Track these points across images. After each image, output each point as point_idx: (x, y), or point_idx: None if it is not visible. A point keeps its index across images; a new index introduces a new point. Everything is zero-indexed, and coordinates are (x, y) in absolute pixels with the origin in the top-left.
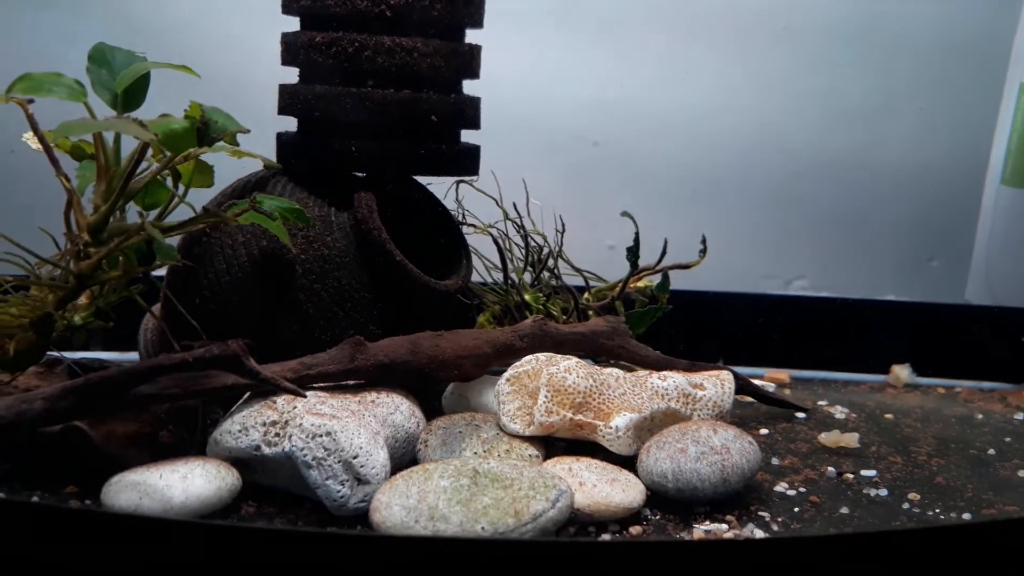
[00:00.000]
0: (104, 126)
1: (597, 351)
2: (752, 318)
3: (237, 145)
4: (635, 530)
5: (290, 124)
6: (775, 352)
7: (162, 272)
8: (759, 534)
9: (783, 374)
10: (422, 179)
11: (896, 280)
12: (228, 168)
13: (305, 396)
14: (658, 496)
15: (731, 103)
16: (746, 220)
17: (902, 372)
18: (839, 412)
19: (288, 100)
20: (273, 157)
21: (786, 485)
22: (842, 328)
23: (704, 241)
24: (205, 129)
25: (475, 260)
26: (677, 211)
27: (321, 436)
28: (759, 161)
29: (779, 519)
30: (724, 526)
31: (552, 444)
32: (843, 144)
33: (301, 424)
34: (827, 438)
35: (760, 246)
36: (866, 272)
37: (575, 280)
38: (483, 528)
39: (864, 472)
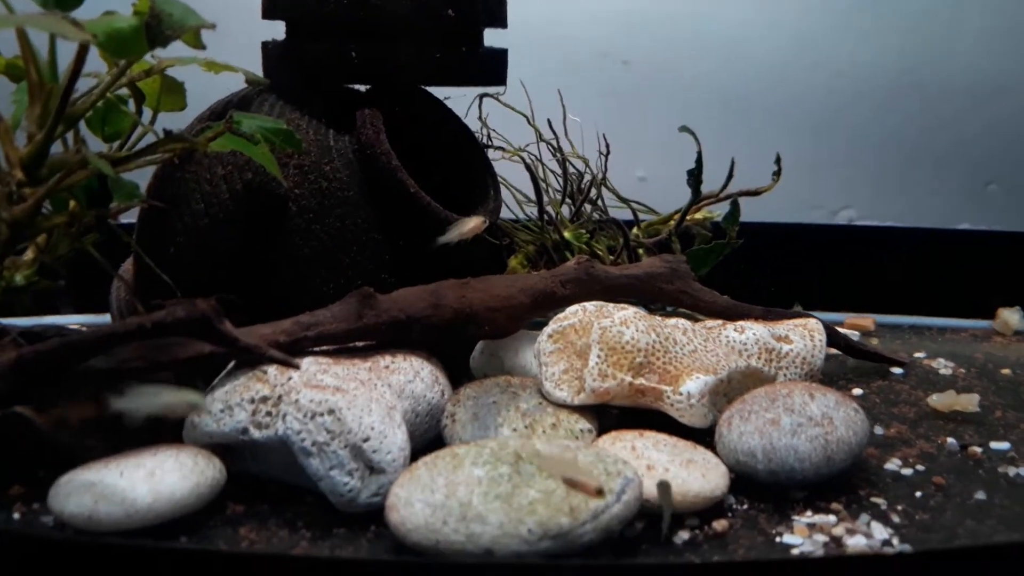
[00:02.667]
0: (19, 21)
1: (654, 297)
2: (822, 254)
3: (202, 47)
4: (720, 525)
5: (278, 31)
6: (852, 294)
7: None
8: (878, 529)
9: (867, 320)
10: (438, 92)
11: (951, 207)
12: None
13: (297, 366)
14: (745, 480)
15: (772, 16)
16: (789, 144)
17: (1012, 317)
18: (943, 367)
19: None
20: (260, 72)
21: (899, 462)
22: (927, 264)
23: (779, 161)
24: (156, 24)
25: (504, 191)
26: (713, 136)
27: (322, 415)
28: (803, 79)
29: (899, 507)
30: (831, 518)
31: (604, 414)
32: (896, 59)
33: (297, 400)
34: (939, 401)
35: (804, 172)
36: (918, 199)
37: (620, 212)
38: (530, 530)
39: (994, 445)
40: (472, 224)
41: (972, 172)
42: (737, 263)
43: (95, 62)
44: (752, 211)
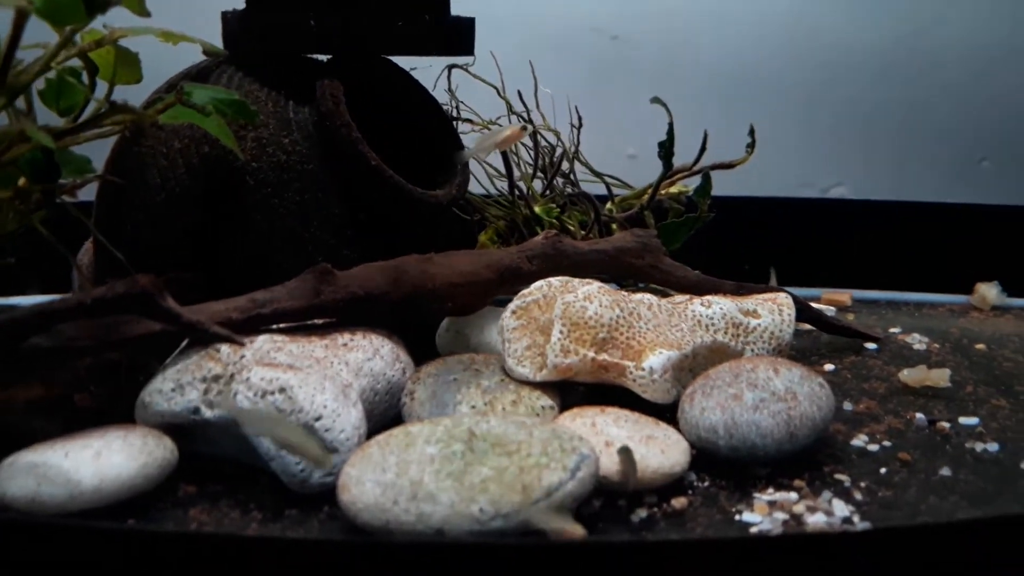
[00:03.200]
0: None
1: (624, 272)
2: (800, 228)
3: (146, 14)
4: (678, 502)
5: (239, 2)
6: (830, 269)
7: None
8: (840, 507)
9: (843, 295)
10: (403, 63)
11: (944, 183)
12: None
13: (242, 343)
14: (706, 456)
15: None
16: (779, 121)
17: (989, 292)
18: (917, 342)
19: None
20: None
21: (866, 438)
22: (909, 239)
23: (752, 133)
24: None
25: (474, 165)
26: (704, 112)
27: (273, 393)
28: (793, 54)
29: (862, 484)
30: (793, 495)
31: (570, 390)
32: (887, 33)
33: (248, 379)
34: (910, 376)
35: (794, 149)
36: (911, 175)
37: (595, 188)
38: (481, 509)
39: (963, 420)
40: (507, 134)
41: (966, 148)
42: (714, 237)
43: (49, 34)
44: (738, 186)
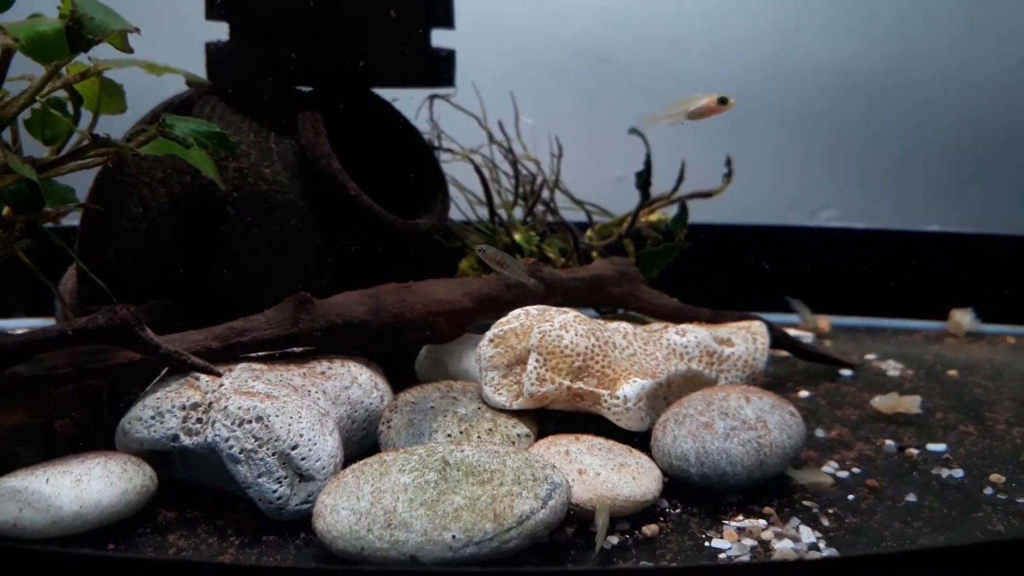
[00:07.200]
0: None
1: (602, 300)
2: (781, 255)
3: (129, 50)
4: (650, 529)
5: (223, 33)
6: (811, 295)
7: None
8: (807, 533)
9: (822, 322)
10: (385, 94)
11: (930, 208)
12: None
13: (218, 373)
14: (678, 483)
15: (751, 13)
16: (767, 144)
17: (963, 318)
18: (892, 368)
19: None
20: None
21: (836, 464)
22: (888, 266)
23: (729, 163)
24: (77, 28)
25: (454, 193)
26: (692, 135)
27: (250, 422)
28: (782, 78)
29: (830, 511)
30: (762, 522)
31: (546, 417)
32: (876, 57)
33: (226, 407)
34: (882, 402)
35: (783, 173)
36: (899, 200)
37: (575, 215)
38: (454, 537)
39: (931, 446)
40: (704, 103)
41: (954, 173)
42: (696, 264)
43: (36, 66)
44: (728, 208)
